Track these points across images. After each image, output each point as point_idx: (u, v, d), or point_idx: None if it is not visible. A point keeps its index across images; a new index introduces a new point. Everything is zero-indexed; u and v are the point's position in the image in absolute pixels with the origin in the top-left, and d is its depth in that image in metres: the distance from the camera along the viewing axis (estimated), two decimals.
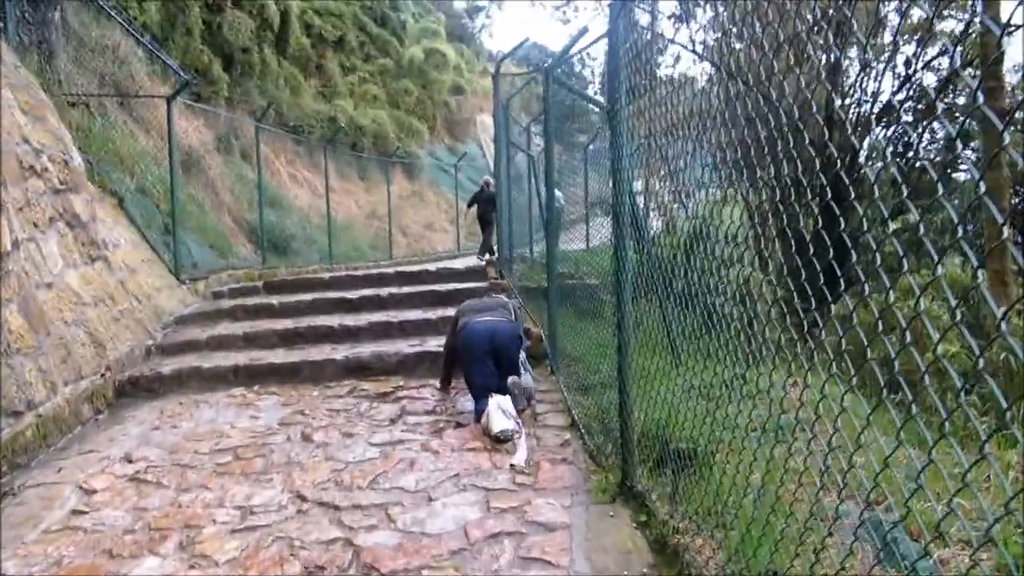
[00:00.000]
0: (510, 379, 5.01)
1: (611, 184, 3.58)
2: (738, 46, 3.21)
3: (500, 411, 4.72)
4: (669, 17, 11.19)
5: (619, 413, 3.71)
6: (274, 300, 8.59)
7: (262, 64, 18.71)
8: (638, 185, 5.65)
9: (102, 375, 6.01)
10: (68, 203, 6.69)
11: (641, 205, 5.63)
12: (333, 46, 23.97)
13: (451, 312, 6.04)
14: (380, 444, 4.61)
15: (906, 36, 9.37)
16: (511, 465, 4.20)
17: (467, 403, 5.25)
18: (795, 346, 2.68)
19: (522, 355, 5.50)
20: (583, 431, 4.62)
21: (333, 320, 7.60)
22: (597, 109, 7.24)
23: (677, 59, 11.35)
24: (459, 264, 11.65)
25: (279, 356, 6.65)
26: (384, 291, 8.62)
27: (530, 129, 13.19)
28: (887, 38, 9.48)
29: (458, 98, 30.26)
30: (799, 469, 3.57)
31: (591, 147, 11.13)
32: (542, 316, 6.75)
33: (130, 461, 4.48)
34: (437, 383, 5.88)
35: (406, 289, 8.69)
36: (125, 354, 6.60)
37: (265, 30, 19.02)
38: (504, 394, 4.90)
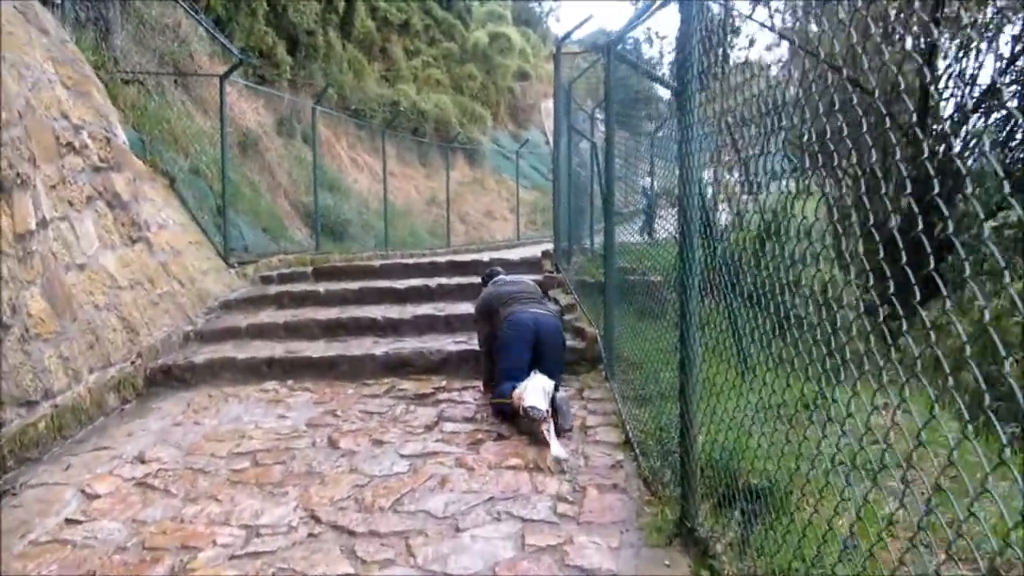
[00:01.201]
0: (559, 395, 4.63)
1: (678, 172, 3.03)
2: (819, 25, 2.74)
3: (541, 389, 4.47)
4: None
5: (680, 437, 3.18)
6: (321, 287, 8.27)
7: (326, 47, 18.53)
8: (706, 175, 5.10)
9: (132, 363, 5.74)
10: (109, 182, 6.45)
11: (709, 196, 5.07)
12: (398, 29, 23.71)
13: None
14: (411, 456, 4.17)
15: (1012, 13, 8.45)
16: (555, 459, 4.02)
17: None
18: (884, 360, 2.20)
19: None
20: (638, 451, 4.09)
21: (378, 311, 7.22)
22: (664, 90, 6.65)
23: (752, 42, 10.62)
24: (515, 255, 11.16)
25: (318, 349, 6.29)
26: (433, 281, 8.20)
27: (594, 115, 12.62)
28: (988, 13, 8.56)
29: (523, 84, 29.69)
30: (897, 517, 2.99)
31: (659, 134, 10.53)
32: (598, 314, 6.22)
33: (142, 461, 4.15)
34: (480, 384, 5.45)
35: (456, 280, 8.25)
36: (161, 340, 6.33)
37: (330, 12, 18.85)
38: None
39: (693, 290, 2.96)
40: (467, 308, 7.06)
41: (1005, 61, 7.97)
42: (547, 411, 4.40)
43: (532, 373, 4.68)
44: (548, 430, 4.30)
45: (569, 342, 6.12)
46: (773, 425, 3.73)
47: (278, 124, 15.58)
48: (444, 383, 5.61)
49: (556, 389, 4.64)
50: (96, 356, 5.30)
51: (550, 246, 10.28)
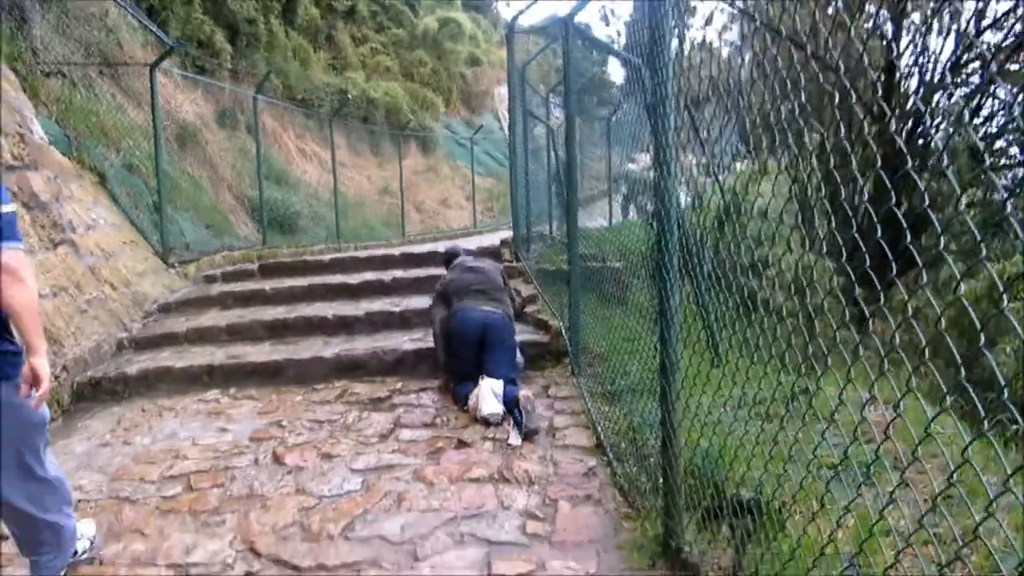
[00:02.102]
0: (522, 394, 4.50)
1: (653, 153, 2.69)
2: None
3: (492, 394, 4.50)
4: None
5: (662, 448, 2.86)
6: (267, 285, 7.78)
7: (269, 35, 17.80)
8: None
9: (56, 377, 5.24)
10: (24, 181, 5.91)
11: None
12: (344, 16, 22.98)
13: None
14: (364, 471, 3.79)
15: None
16: (508, 444, 4.07)
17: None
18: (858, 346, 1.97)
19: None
20: (611, 455, 3.77)
21: (328, 309, 6.78)
22: (619, 72, 6.31)
23: (708, 19, 10.37)
24: (472, 243, 10.77)
25: (263, 353, 5.84)
26: (388, 275, 7.79)
27: (549, 99, 12.25)
28: None
29: (475, 69, 29.13)
30: (898, 525, 2.72)
31: (614, 118, 10.25)
32: (561, 305, 5.89)
33: None
34: (438, 384, 5.13)
35: (413, 272, 7.85)
36: (89, 350, 5.83)
37: (272, 0, 18.12)
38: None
39: (673, 283, 2.63)
40: (424, 302, 6.66)
41: (969, 36, 7.81)
42: (502, 412, 4.45)
43: (480, 378, 4.65)
44: (510, 425, 4.34)
45: (532, 336, 5.79)
46: (755, 425, 3.45)
47: (220, 116, 14.90)
48: (400, 385, 5.22)
49: (514, 383, 4.70)
50: None
51: (509, 234, 9.93)
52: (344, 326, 6.41)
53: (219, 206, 12.15)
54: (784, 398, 3.37)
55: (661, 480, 2.86)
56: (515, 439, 4.10)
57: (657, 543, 2.85)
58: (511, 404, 4.42)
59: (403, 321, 6.42)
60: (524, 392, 4.53)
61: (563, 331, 5.66)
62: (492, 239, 10.65)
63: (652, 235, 3.03)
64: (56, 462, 2.86)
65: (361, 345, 5.80)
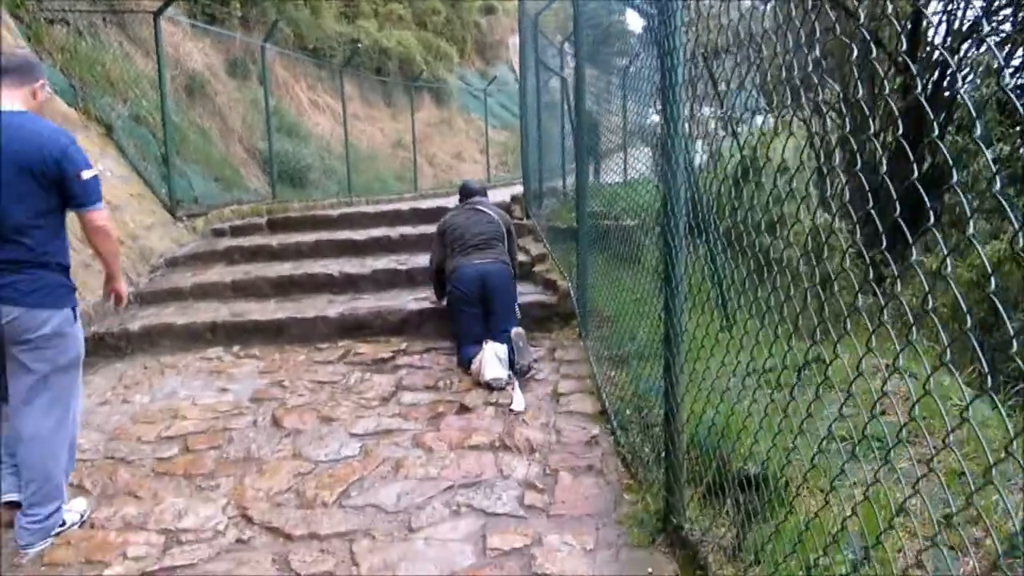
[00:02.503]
0: (514, 331, 4.62)
1: (661, 106, 2.53)
2: None
3: (496, 358, 4.41)
4: None
5: (664, 422, 2.75)
6: (274, 240, 7.69)
7: None
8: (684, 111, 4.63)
9: None
10: None
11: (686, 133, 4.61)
12: None
13: None
14: (363, 435, 3.73)
15: None
16: (511, 410, 3.99)
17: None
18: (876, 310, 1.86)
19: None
20: (615, 423, 3.68)
21: (334, 266, 6.68)
22: (635, 20, 6.06)
23: None
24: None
25: (267, 310, 5.77)
26: (396, 231, 7.66)
27: (563, 48, 11.93)
28: None
29: (489, 18, 28.48)
30: (910, 507, 2.61)
31: (631, 69, 9.92)
32: (570, 264, 5.75)
33: None
34: (445, 344, 5.07)
35: (420, 229, 7.71)
36: (94, 305, 5.77)
37: None
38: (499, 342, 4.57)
39: (679, 248, 2.50)
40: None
41: None
42: (506, 376, 4.37)
43: (485, 342, 4.55)
44: (513, 388, 4.28)
45: (540, 296, 5.68)
46: (764, 394, 3.34)
47: (230, 66, 14.64)
48: (404, 346, 5.15)
49: (515, 325, 4.73)
50: None
51: (520, 189, 9.74)
52: (350, 284, 6.32)
53: (229, 159, 12.00)
54: (796, 366, 3.26)
55: (663, 453, 2.76)
56: (518, 404, 4.02)
57: (658, 518, 2.76)
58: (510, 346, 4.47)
59: (409, 279, 6.31)
60: (516, 329, 4.61)
61: (571, 291, 5.54)
62: (503, 194, 10.46)
63: (659, 195, 2.89)
64: (79, 419, 3.06)
65: (366, 304, 5.71)
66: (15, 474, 2.89)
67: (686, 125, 2.54)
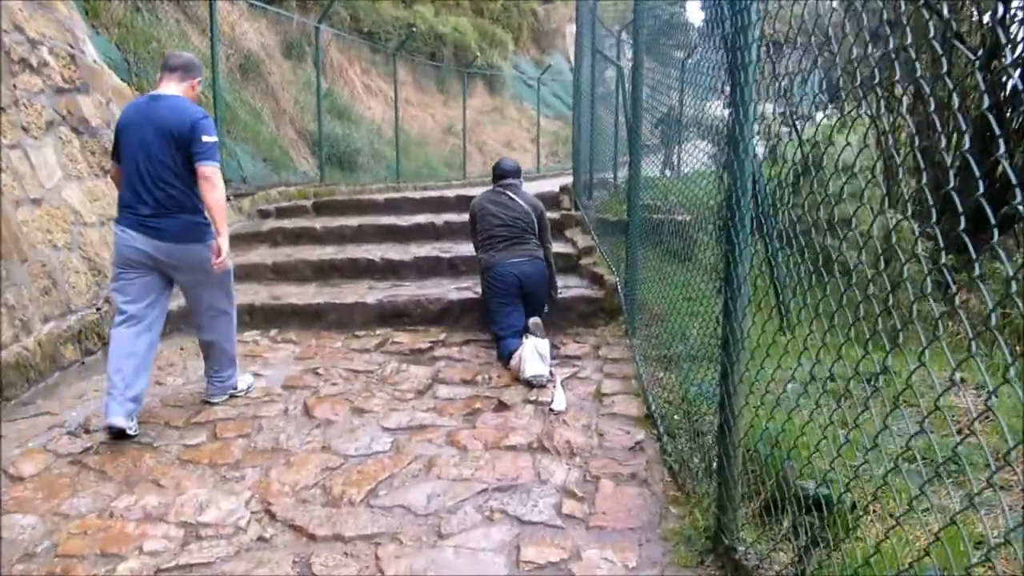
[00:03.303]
0: (531, 320, 4.58)
1: (730, 86, 2.29)
2: None
3: (537, 354, 4.23)
4: None
5: (719, 434, 2.52)
6: (318, 224, 7.60)
7: None
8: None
9: (98, 309, 5.15)
10: (74, 105, 5.76)
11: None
12: None
13: None
14: (395, 430, 3.57)
15: None
16: (551, 409, 3.80)
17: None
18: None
19: None
20: (661, 429, 3.45)
21: (377, 252, 6.56)
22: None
23: None
24: (532, 188, 10.38)
25: (307, 295, 5.66)
26: (440, 219, 7.51)
27: (621, 38, 11.61)
28: None
29: (546, 7, 28.15)
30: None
31: (689, 61, 9.59)
32: (619, 259, 5.52)
33: (86, 431, 3.58)
34: (485, 336, 4.92)
35: (465, 217, 7.50)
36: None
37: None
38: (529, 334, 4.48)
39: (744, 247, 2.26)
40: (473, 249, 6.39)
41: None
42: (548, 373, 4.22)
43: (525, 337, 4.40)
44: (555, 386, 4.10)
45: (586, 291, 5.46)
46: (826, 406, 3.07)
47: (286, 47, 14.65)
48: (443, 336, 4.99)
49: (540, 331, 4.59)
50: (52, 303, 4.71)
51: (570, 180, 9.50)
52: (391, 270, 6.19)
53: (279, 140, 11.99)
54: (863, 376, 2.99)
55: (716, 467, 2.53)
56: (559, 404, 3.82)
57: (707, 536, 2.54)
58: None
59: (451, 267, 6.16)
60: (534, 319, 4.61)
61: (619, 287, 5.31)
62: (553, 184, 10.23)
63: (723, 189, 2.65)
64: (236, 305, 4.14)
65: (406, 292, 5.56)
66: (123, 403, 3.49)
67: (755, 110, 2.29)
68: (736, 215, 2.25)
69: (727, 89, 2.56)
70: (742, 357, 2.31)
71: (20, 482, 3.08)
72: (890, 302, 1.91)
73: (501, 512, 2.79)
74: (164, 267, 3.73)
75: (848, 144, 1.96)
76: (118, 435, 3.46)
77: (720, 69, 4.09)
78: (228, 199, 8.50)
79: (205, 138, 3.60)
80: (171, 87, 3.76)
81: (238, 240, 7.29)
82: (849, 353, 2.33)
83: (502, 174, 5.24)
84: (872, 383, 3.46)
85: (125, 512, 2.83)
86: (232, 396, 4.01)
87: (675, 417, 3.54)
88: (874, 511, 2.53)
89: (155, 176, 3.60)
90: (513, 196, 5.04)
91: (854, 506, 2.43)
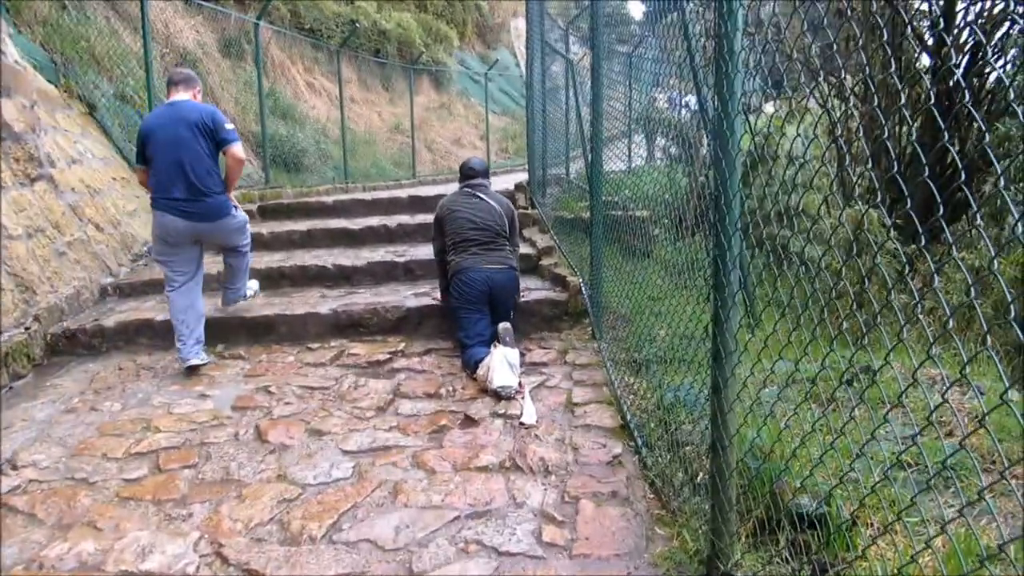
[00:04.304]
0: (501, 325, 4.37)
1: (715, 76, 2.10)
2: None
3: (506, 364, 4.04)
4: None
5: (712, 447, 2.34)
6: (265, 229, 7.25)
7: None
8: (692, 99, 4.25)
9: (27, 328, 4.78)
10: None
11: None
12: None
13: None
14: (357, 452, 3.32)
15: None
16: (521, 423, 3.58)
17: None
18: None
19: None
20: (639, 440, 3.28)
21: (328, 257, 6.27)
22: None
23: None
24: None
25: (255, 305, 5.35)
26: (393, 220, 7.25)
27: (568, 32, 11.45)
28: None
29: (491, 1, 27.93)
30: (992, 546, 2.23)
31: (634, 53, 9.49)
32: (581, 258, 5.35)
33: (13, 467, 3.25)
34: (447, 344, 4.68)
35: (419, 218, 7.29)
36: (67, 298, 5.35)
37: None
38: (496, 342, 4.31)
39: (735, 250, 2.08)
40: (430, 251, 6.15)
41: None
42: (517, 384, 4.01)
43: (493, 346, 4.24)
44: (523, 397, 3.89)
45: (548, 293, 5.27)
46: (809, 411, 2.94)
47: (224, 45, 14.14)
48: (402, 346, 4.74)
49: (511, 336, 4.39)
50: None
51: (524, 176, 9.31)
52: (344, 277, 5.92)
53: None
54: (841, 376, 2.86)
55: (709, 488, 2.36)
56: (529, 417, 3.62)
57: (700, 561, 2.37)
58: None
59: (407, 272, 5.91)
60: (504, 324, 4.40)
61: (583, 288, 5.13)
62: (507, 182, 10.01)
63: (707, 184, 2.48)
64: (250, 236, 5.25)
65: (361, 299, 5.30)
66: (192, 346, 4.46)
67: (742, 104, 2.12)
68: (726, 217, 2.07)
69: (706, 80, 2.40)
70: (737, 372, 2.13)
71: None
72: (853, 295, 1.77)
73: (477, 543, 2.58)
74: (199, 239, 4.67)
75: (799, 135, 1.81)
76: (194, 369, 4.43)
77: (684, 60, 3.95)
78: None
79: (227, 125, 4.59)
80: (181, 95, 4.64)
81: None
82: (819, 349, 2.18)
83: (471, 174, 5.01)
84: (852, 383, 3.35)
85: (57, 562, 2.53)
86: (245, 298, 5.33)
87: (651, 425, 3.38)
88: (868, 522, 2.40)
89: (189, 162, 4.41)
90: (484, 197, 4.82)
91: (854, 523, 2.29)
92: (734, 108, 2.05)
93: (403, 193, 9.34)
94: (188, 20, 12.73)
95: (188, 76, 4.81)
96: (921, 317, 1.61)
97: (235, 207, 4.79)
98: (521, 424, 3.57)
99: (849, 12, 1.50)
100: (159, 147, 4.43)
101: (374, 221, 7.26)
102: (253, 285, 5.44)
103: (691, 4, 3.86)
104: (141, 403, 3.96)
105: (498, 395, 3.88)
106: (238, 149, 4.58)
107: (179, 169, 4.40)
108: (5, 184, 5.21)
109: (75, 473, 3.18)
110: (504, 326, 4.35)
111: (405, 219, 7.24)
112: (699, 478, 2.75)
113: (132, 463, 3.27)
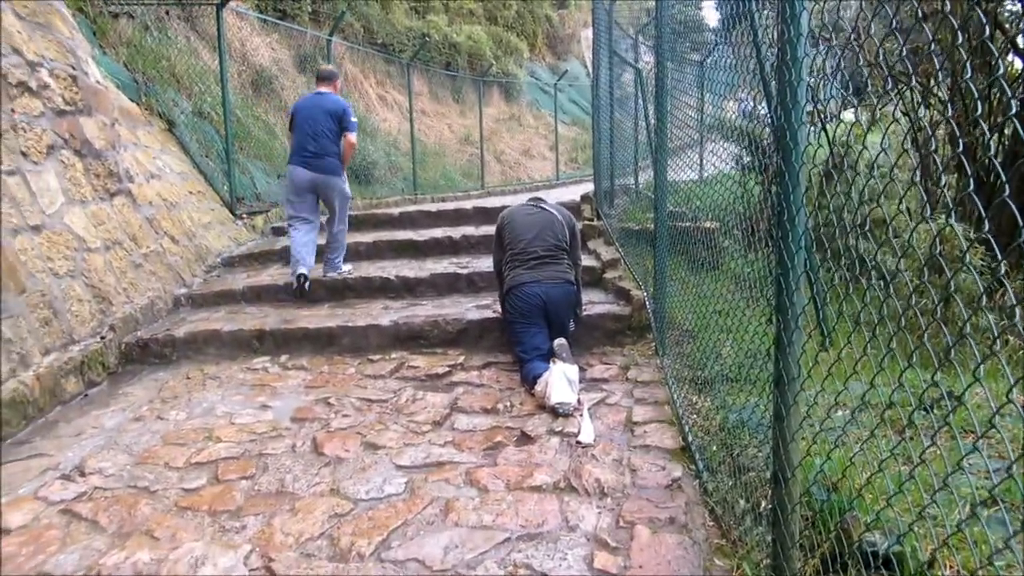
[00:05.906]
0: (556, 341, 4.32)
1: (778, 83, 1.99)
2: None
3: (565, 380, 3.97)
4: None
5: (774, 477, 2.21)
6: None
7: None
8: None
9: (102, 337, 4.95)
10: (76, 127, 5.58)
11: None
12: None
13: None
14: (410, 468, 3.29)
15: None
16: (578, 442, 3.50)
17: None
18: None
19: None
20: (700, 464, 3.15)
21: (392, 269, 6.32)
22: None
23: None
24: (551, 196, 10.09)
25: (319, 317, 5.42)
26: (458, 232, 7.26)
27: (638, 40, 11.31)
28: None
29: (561, 12, 27.90)
30: None
31: (708, 60, 9.27)
32: (646, 271, 5.22)
33: (81, 474, 3.35)
34: (506, 358, 4.64)
35: (483, 230, 7.28)
36: (142, 308, 5.53)
37: None
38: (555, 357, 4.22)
39: (798, 269, 1.96)
40: (491, 263, 6.12)
41: None
42: (577, 401, 3.95)
43: (552, 361, 4.16)
44: (581, 415, 3.79)
45: (611, 307, 5.16)
46: (885, 440, 2.76)
47: (299, 61, 14.52)
48: (462, 359, 4.71)
49: (567, 352, 4.31)
50: (53, 334, 4.51)
51: (591, 187, 9.21)
52: (407, 289, 5.94)
53: None
54: (920, 396, 2.67)
55: (770, 521, 2.22)
56: (587, 436, 3.52)
57: None
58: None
59: (470, 284, 5.89)
60: (559, 340, 4.34)
61: (647, 302, 5.01)
62: (573, 192, 9.93)
63: (770, 197, 2.36)
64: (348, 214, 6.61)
65: (423, 312, 5.30)
66: (304, 266, 5.95)
67: (806, 114, 1.99)
68: (789, 234, 1.95)
69: (772, 86, 2.28)
70: (800, 399, 2.00)
71: (7, 534, 2.84)
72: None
73: (526, 567, 2.50)
74: (317, 189, 6.11)
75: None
76: (302, 279, 5.89)
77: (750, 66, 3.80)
78: (241, 217, 8.37)
79: (352, 118, 6.10)
80: (324, 88, 6.27)
81: (251, 259, 7.10)
82: (899, 369, 2.03)
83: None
84: (936, 408, 3.14)
85: (114, 571, 2.57)
86: (340, 274, 6.30)
87: (713, 448, 3.24)
88: (952, 565, 2.21)
89: (318, 134, 5.98)
90: (547, 208, 4.80)
91: (932, 564, 2.12)
92: (798, 118, 1.94)
93: (469, 204, 9.35)
94: (264, 38, 13.12)
95: (330, 73, 6.49)
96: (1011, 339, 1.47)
97: (344, 180, 6.23)
98: (578, 443, 3.48)
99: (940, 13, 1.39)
100: (301, 120, 6.05)
101: (439, 233, 7.29)
102: (348, 266, 6.60)
103: (765, 11, 3.73)
104: (205, 412, 4.03)
105: (556, 412, 3.80)
106: (353, 135, 6.07)
107: (311, 136, 5.95)
108: (86, 199, 5.42)
109: (138, 481, 3.25)
110: (560, 342, 4.27)
111: (470, 230, 7.24)
112: (762, 507, 2.61)
113: (192, 473, 3.32)
